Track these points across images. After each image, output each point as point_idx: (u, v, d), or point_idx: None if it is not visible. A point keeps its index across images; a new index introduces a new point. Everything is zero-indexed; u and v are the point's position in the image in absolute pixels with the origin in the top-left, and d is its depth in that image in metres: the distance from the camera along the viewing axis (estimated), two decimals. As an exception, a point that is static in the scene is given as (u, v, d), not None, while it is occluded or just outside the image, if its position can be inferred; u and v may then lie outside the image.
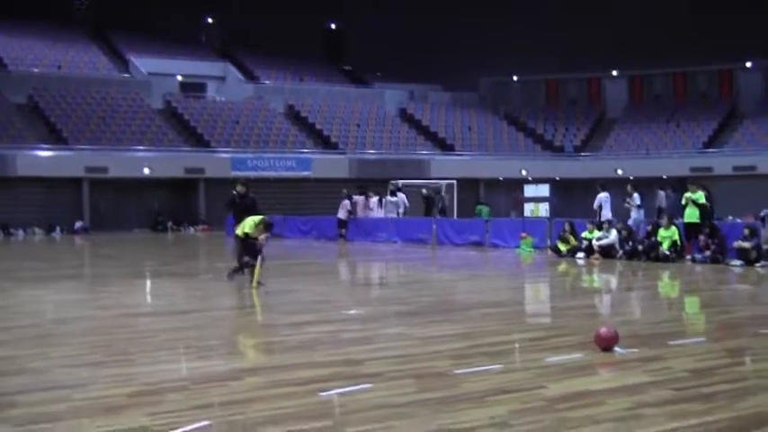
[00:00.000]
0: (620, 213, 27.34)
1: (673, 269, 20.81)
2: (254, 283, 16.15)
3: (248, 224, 16.54)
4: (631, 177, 48.36)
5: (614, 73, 63.05)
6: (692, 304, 15.54)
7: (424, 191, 39.39)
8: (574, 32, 59.32)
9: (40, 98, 50.77)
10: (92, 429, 6.55)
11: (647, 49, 57.41)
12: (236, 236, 17.06)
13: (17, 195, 44.14)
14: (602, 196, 26.34)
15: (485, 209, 36.40)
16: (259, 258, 16.34)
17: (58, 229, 44.35)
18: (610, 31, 58.19)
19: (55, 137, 47.88)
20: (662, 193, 36.28)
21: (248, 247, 16.60)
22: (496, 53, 60.00)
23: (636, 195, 27.19)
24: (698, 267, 21.25)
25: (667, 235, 22.70)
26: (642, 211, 27.22)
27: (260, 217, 16.74)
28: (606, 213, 26.10)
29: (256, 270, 16.27)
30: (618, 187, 31.70)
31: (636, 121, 60.19)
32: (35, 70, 53.97)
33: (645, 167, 52.19)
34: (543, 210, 28.72)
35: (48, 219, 44.68)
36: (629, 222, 25.70)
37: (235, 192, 19.40)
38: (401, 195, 37.07)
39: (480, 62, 60.97)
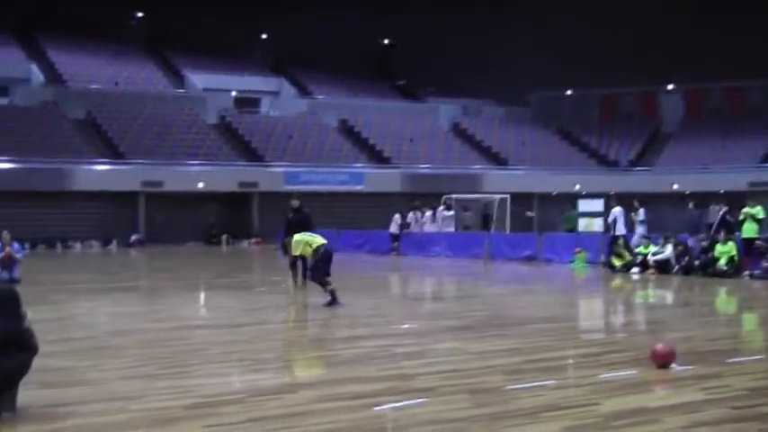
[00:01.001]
0: (668, 227, 27.04)
1: (730, 285, 20.53)
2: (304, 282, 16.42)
3: (303, 248, 16.38)
4: (687, 192, 47.89)
5: (670, 87, 62.46)
6: (750, 321, 15.32)
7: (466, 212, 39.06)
8: (629, 46, 58.90)
9: (97, 114, 51.48)
10: (148, 441, 6.61)
11: (703, 62, 56.76)
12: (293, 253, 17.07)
13: (75, 209, 44.74)
14: (617, 211, 26.18)
15: (573, 214, 35.21)
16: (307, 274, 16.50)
17: (114, 242, 44.88)
18: (665, 45, 57.66)
19: (112, 151, 48.51)
20: (716, 209, 36.11)
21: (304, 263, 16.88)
22: (549, 67, 59.73)
23: (641, 211, 27.05)
24: (756, 283, 20.95)
25: (725, 250, 22.42)
26: (645, 227, 26.90)
27: (317, 243, 16.28)
28: (620, 228, 25.91)
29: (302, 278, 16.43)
30: (673, 202, 31.46)
31: (692, 135, 59.51)
32: (93, 86, 54.71)
33: (701, 182, 51.50)
34: (597, 225, 28.43)
35: (104, 232, 45.24)
36: (635, 238, 25.69)
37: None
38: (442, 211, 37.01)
39: (533, 76, 60.74)
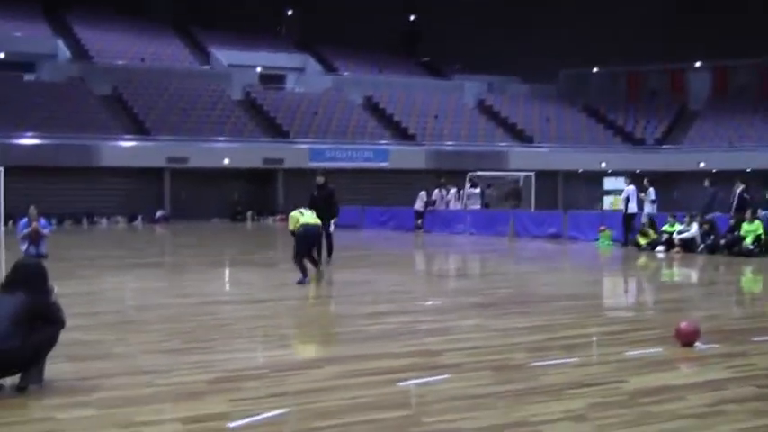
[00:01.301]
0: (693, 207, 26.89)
1: (756, 264, 20.41)
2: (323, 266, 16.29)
3: (293, 222, 16.21)
4: (714, 170, 47.57)
5: (697, 65, 61.94)
6: (776, 300, 15.23)
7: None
8: (656, 23, 58.43)
9: (123, 90, 51.66)
10: (174, 414, 6.65)
11: (732, 40, 56.20)
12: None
13: (101, 185, 45.01)
14: (630, 189, 26.15)
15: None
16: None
17: (139, 217, 45.14)
18: (693, 22, 57.14)
19: (138, 128, 48.70)
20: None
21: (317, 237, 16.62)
22: (576, 45, 59.37)
23: (651, 190, 27.01)
24: (782, 263, 20.81)
25: (751, 229, 22.29)
26: (655, 206, 27.01)
27: (303, 221, 15.98)
28: (632, 207, 25.87)
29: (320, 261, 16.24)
30: (698, 181, 31.26)
31: (719, 113, 59.03)
32: (119, 63, 54.89)
33: (728, 160, 51.14)
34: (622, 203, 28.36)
35: (130, 208, 45.50)
36: (643, 217, 25.67)
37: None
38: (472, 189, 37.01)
39: (559, 54, 60.38)
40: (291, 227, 15.98)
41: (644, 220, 25.33)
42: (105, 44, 57.31)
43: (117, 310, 12.65)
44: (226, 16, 62.33)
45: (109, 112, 48.92)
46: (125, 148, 46.14)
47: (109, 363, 8.58)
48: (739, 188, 25.47)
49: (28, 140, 44.12)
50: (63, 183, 43.48)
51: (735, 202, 25.06)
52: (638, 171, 47.77)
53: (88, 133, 45.16)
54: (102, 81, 51.28)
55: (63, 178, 43.50)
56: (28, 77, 52.38)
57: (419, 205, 35.63)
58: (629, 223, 25.83)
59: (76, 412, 6.67)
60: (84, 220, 43.81)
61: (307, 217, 15.92)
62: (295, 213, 16.04)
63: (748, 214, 22.95)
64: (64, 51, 54.97)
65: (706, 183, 28.37)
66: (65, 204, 42.75)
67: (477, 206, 35.94)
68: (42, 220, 21.88)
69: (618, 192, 30.02)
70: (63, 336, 7.68)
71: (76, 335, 9.47)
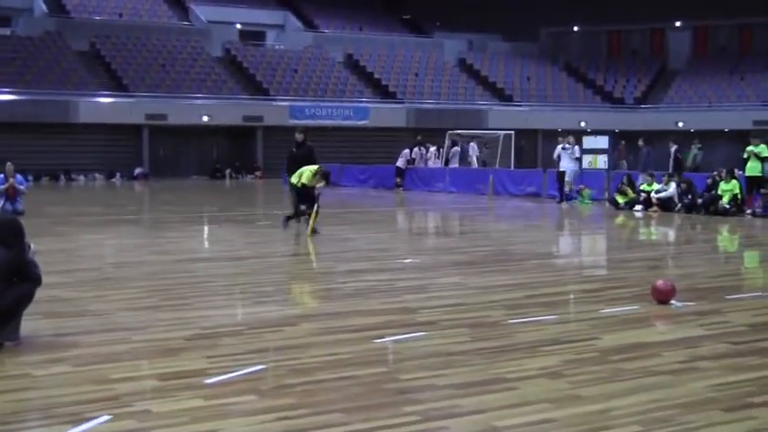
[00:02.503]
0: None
1: (732, 223, 20.54)
2: (309, 231, 16.27)
3: (305, 174, 16.55)
4: (692, 130, 47.74)
5: (678, 24, 61.85)
6: (751, 259, 15.36)
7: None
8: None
9: (101, 45, 51.10)
10: (151, 371, 6.67)
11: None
12: (292, 184, 17.02)
13: (79, 141, 44.62)
14: (559, 148, 26.97)
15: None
16: (315, 207, 16.44)
17: (118, 174, 44.87)
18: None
19: (116, 84, 48.26)
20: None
21: (305, 195, 16.66)
22: (557, 3, 59.16)
23: (576, 148, 27.35)
24: (758, 222, 20.95)
25: (728, 188, 22.41)
26: (578, 163, 27.38)
27: (316, 167, 16.73)
28: (563, 164, 26.71)
29: (312, 218, 16.36)
30: (680, 140, 31.39)
31: (699, 73, 59.06)
32: (97, 18, 54.24)
33: (706, 120, 51.30)
34: (602, 162, 28.44)
35: (108, 165, 45.21)
36: (567, 174, 26.52)
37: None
38: (472, 145, 37.27)
39: (541, 12, 60.16)
40: (306, 181, 16.58)
41: (624, 179, 25.47)
42: (82, -1, 56.67)
43: (95, 267, 12.62)
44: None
45: (86, 68, 48.42)
46: (103, 105, 45.74)
47: (86, 320, 8.59)
48: (673, 147, 26.09)
49: (4, 96, 43.55)
50: (40, 139, 43.08)
51: (671, 161, 25.72)
52: (617, 130, 47.90)
53: (65, 89, 44.71)
54: (80, 36, 50.66)
55: (40, 134, 43.10)
56: (3, 31, 51.59)
57: (401, 162, 35.63)
58: (561, 180, 26.74)
59: (53, 369, 6.68)
60: (62, 177, 43.53)
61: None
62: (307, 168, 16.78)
63: (723, 173, 23.10)
64: (40, 5, 54.17)
65: (640, 142, 28.78)
66: (42, 161, 42.44)
67: (456, 164, 36.01)
68: (19, 176, 21.76)
69: (599, 151, 30.12)
70: (40, 293, 7.66)
71: (53, 292, 9.46)
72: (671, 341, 7.70)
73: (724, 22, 60.13)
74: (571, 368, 6.70)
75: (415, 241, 17.95)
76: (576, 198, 26.71)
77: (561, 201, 26.51)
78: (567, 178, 26.68)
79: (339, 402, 5.84)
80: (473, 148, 38.01)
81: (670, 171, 25.13)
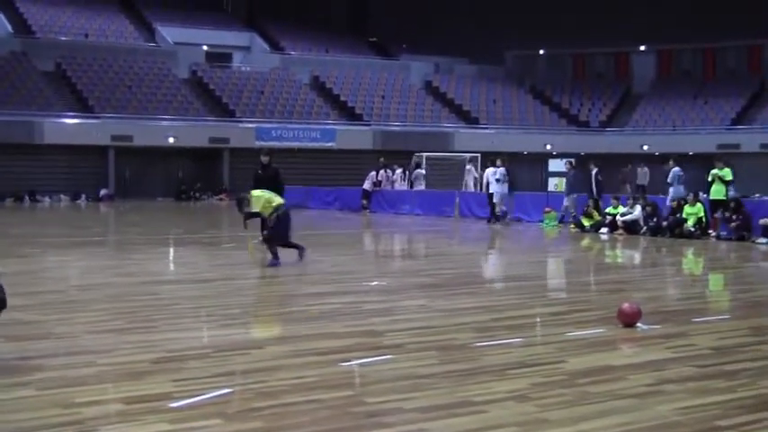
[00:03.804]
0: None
1: (697, 246, 20.72)
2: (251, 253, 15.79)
3: (262, 203, 15.69)
4: (656, 153, 48.10)
5: (642, 48, 62.44)
6: (716, 281, 15.48)
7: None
8: (602, 6, 58.74)
9: (67, 66, 50.86)
10: (116, 394, 6.60)
11: (676, 23, 56.74)
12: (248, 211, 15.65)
13: (44, 162, 44.34)
14: (489, 171, 28.42)
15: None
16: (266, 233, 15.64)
17: (83, 196, 44.59)
18: (638, 6, 57.61)
19: (81, 105, 48.01)
20: (645, 170, 40.21)
21: (262, 221, 15.94)
22: (523, 27, 59.54)
23: (501, 170, 28.11)
24: (723, 245, 21.15)
25: (693, 212, 22.61)
26: (506, 186, 28.15)
27: (268, 195, 15.47)
28: (492, 187, 27.98)
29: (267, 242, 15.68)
30: (645, 163, 31.63)
31: (663, 96, 59.60)
32: (63, 38, 54.00)
33: (671, 143, 51.66)
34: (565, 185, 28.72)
35: (73, 186, 44.92)
36: (495, 195, 27.88)
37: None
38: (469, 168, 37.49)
39: (507, 36, 60.48)
40: (261, 208, 15.17)
41: (589, 202, 25.65)
42: (48, 18, 56.35)
43: (60, 290, 12.50)
44: (171, -7, 61.59)
45: (52, 89, 48.17)
46: (68, 126, 45.48)
47: (50, 343, 8.49)
48: (594, 170, 26.49)
49: (-32, 116, 43.31)
50: (4, 160, 42.77)
51: (593, 184, 26.20)
52: (582, 153, 48.21)
53: (30, 110, 44.46)
54: (45, 56, 50.39)
55: (4, 155, 42.78)
56: (-32, 52, 51.36)
57: (367, 185, 35.66)
58: (491, 202, 28.09)
59: (16, 393, 6.59)
60: (27, 199, 43.17)
61: (279, 197, 15.44)
62: (265, 194, 15.34)
63: (690, 197, 23.32)
64: (5, 25, 53.86)
65: (566, 166, 29.11)
66: (6, 182, 42.15)
67: (423, 187, 36.06)
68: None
69: (563, 174, 30.34)
70: (4, 316, 7.58)
71: (18, 314, 9.35)
72: (637, 364, 7.72)
73: (688, 46, 60.78)
74: (538, 391, 6.71)
75: (381, 264, 17.95)
76: (504, 218, 27.79)
77: (490, 221, 27.74)
78: (494, 199, 27.80)
79: (307, 426, 5.81)
80: (470, 172, 37.61)
81: (594, 194, 25.63)
